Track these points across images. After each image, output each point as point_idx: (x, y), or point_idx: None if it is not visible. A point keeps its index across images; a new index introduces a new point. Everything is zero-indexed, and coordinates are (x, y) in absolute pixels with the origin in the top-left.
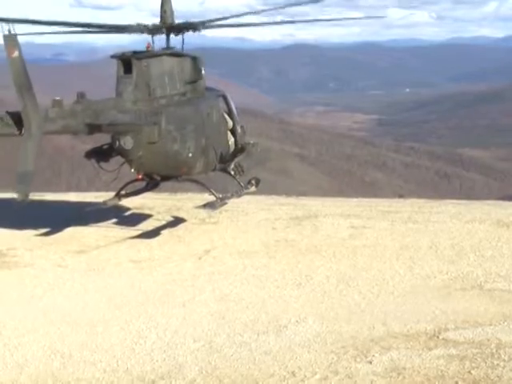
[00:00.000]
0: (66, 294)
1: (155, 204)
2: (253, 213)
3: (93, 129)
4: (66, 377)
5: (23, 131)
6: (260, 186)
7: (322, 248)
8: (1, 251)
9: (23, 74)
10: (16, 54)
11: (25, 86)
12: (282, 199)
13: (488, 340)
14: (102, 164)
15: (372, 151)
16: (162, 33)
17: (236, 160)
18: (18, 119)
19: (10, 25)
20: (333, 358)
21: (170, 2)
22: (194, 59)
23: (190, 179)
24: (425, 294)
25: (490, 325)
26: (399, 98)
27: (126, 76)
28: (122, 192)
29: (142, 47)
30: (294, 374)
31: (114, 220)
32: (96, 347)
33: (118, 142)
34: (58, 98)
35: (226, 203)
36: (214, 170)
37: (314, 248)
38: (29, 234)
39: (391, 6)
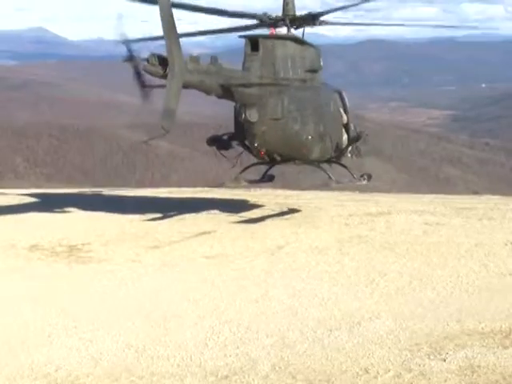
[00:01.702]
0: (140, 289)
1: (229, 199)
2: (326, 209)
3: (224, 91)
4: (140, 371)
5: (167, 71)
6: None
7: (395, 245)
8: (76, 246)
9: (171, 18)
10: None
11: (172, 30)
12: (356, 195)
13: None
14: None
15: (446, 147)
16: (283, 24)
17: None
18: (162, 61)
19: None
20: (406, 355)
21: None
22: (316, 49)
23: (307, 163)
24: (500, 291)
25: None
26: (474, 94)
27: (252, 53)
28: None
29: (212, 43)
30: (366, 370)
31: (187, 215)
32: (169, 342)
33: (244, 115)
34: (195, 55)
35: (339, 184)
36: (329, 159)
37: (387, 244)
38: (103, 229)
39: (465, 1)
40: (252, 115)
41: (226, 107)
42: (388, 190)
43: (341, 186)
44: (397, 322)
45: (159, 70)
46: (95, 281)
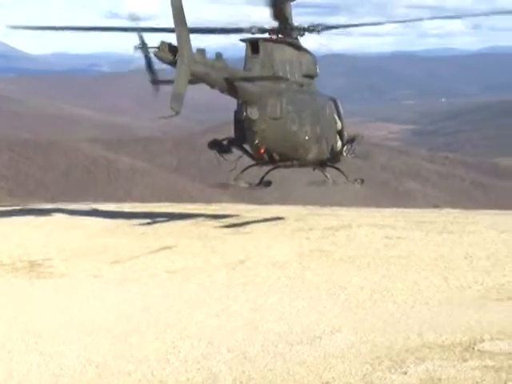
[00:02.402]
0: (101, 303)
1: (189, 214)
2: (287, 223)
3: (228, 85)
4: None
5: (177, 58)
6: (294, 195)
7: (356, 258)
8: (36, 261)
9: (181, 9)
10: None
11: (182, 20)
12: (317, 209)
13: None
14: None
15: (407, 161)
16: (282, 34)
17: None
18: (172, 48)
19: None
20: (367, 369)
21: (291, 6)
22: (312, 56)
23: (304, 164)
24: (460, 304)
25: None
26: (434, 108)
27: (253, 56)
28: (244, 184)
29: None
30: None
31: (149, 230)
32: (130, 357)
33: (245, 113)
34: (201, 48)
35: (335, 185)
36: (324, 162)
37: (348, 258)
38: (64, 244)
39: (425, 16)
40: (253, 113)
41: (186, 122)
42: (349, 204)
43: (300, 200)
44: (358, 335)
45: (169, 56)
46: (56, 296)
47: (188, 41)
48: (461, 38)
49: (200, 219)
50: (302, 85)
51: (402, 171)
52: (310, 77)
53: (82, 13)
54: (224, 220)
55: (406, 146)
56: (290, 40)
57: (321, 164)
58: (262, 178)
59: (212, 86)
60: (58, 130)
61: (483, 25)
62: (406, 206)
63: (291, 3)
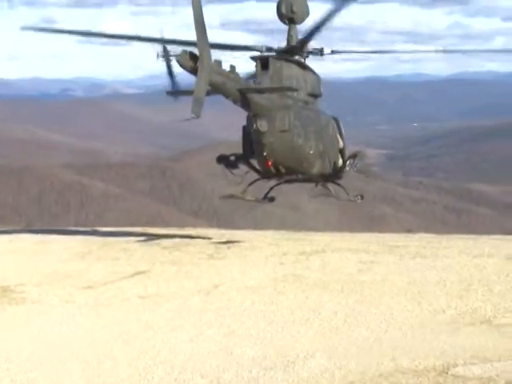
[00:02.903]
0: (74, 330)
1: (163, 239)
2: (261, 248)
3: (241, 97)
4: None
5: (197, 65)
6: (269, 220)
7: (330, 283)
8: (9, 287)
9: (201, 18)
10: None
11: (202, 29)
12: (291, 234)
13: (497, 376)
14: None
15: (381, 186)
16: (288, 54)
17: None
18: (192, 56)
19: None
20: None
21: (296, 29)
22: (317, 76)
23: (308, 178)
24: (433, 329)
25: (499, 361)
26: (407, 133)
27: (263, 72)
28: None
29: (145, 82)
30: None
31: (122, 255)
32: (104, 383)
33: (255, 125)
34: (217, 59)
35: (337, 199)
36: (327, 177)
37: (322, 283)
38: (37, 269)
39: (399, 42)
40: (263, 125)
41: (160, 147)
42: (322, 229)
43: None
44: (331, 360)
45: (190, 63)
46: (29, 322)
47: (208, 50)
48: (432, 63)
49: (173, 244)
50: (307, 102)
51: (377, 196)
52: (315, 96)
53: (57, 37)
54: (198, 245)
55: (381, 171)
56: (297, 59)
57: (323, 179)
58: (267, 192)
59: (226, 97)
60: (30, 155)
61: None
62: (379, 231)
63: (297, 26)
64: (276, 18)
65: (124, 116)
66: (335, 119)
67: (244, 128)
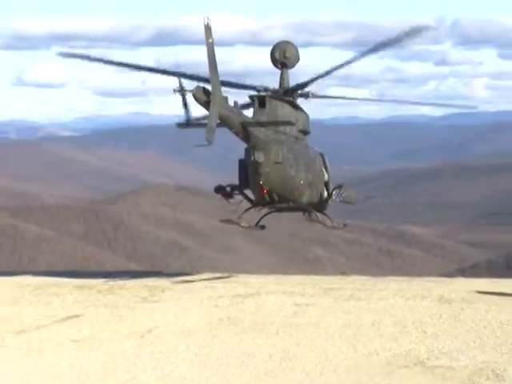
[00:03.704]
0: (6, 375)
1: (97, 282)
2: (196, 291)
3: (243, 129)
4: None
5: (210, 98)
6: (202, 263)
7: (265, 326)
8: None
9: (214, 59)
10: (210, 40)
11: (214, 68)
12: (225, 276)
13: None
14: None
15: (315, 228)
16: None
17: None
18: (205, 91)
19: (206, 18)
20: None
21: (288, 72)
22: (306, 115)
23: (298, 206)
24: (368, 371)
25: None
26: (340, 175)
27: (260, 109)
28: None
29: (80, 125)
30: None
31: (55, 299)
32: None
33: (253, 156)
34: (224, 95)
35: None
36: (314, 205)
37: (257, 326)
38: None
39: (333, 85)
40: (260, 157)
41: (94, 189)
42: (257, 271)
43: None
44: None
45: (204, 97)
46: None
47: (219, 86)
48: (367, 106)
49: (108, 287)
50: (297, 138)
51: (311, 238)
52: (304, 132)
53: None
54: (132, 288)
55: None
56: (290, 99)
57: (311, 207)
58: (259, 220)
59: (230, 129)
60: None
61: (387, 94)
62: (314, 273)
63: (288, 71)
64: (205, 60)
65: (59, 158)
66: (321, 154)
67: (240, 161)
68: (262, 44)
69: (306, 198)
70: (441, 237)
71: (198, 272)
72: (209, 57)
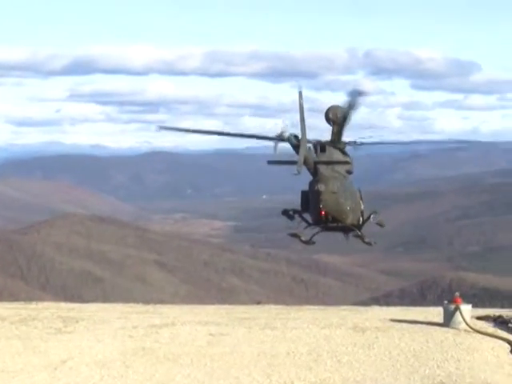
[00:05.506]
0: None
1: (9, 313)
2: (110, 321)
3: (314, 167)
4: None
5: (300, 142)
6: (117, 292)
7: (179, 356)
8: None
9: (303, 114)
10: (302, 101)
11: (303, 120)
12: (140, 307)
13: None
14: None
15: (230, 258)
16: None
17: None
18: (296, 137)
19: (299, 86)
20: None
21: (336, 127)
22: (351, 159)
23: (343, 228)
24: None
25: None
26: (255, 205)
27: (321, 153)
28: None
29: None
30: None
31: None
32: None
33: (317, 186)
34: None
35: (361, 240)
36: (355, 226)
37: (171, 356)
38: None
39: (246, 115)
40: (321, 188)
41: (6, 220)
42: (170, 301)
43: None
44: None
45: (295, 141)
46: None
47: (305, 132)
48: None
49: (20, 318)
50: (345, 176)
51: (225, 268)
52: (349, 172)
53: None
54: (46, 319)
55: (229, 243)
56: (340, 147)
57: (353, 227)
58: (312, 236)
59: (306, 165)
60: None
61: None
62: (229, 303)
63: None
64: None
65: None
66: (359, 190)
67: (302, 192)
68: (177, 73)
69: (349, 220)
70: (356, 265)
71: (112, 302)
72: (300, 112)
